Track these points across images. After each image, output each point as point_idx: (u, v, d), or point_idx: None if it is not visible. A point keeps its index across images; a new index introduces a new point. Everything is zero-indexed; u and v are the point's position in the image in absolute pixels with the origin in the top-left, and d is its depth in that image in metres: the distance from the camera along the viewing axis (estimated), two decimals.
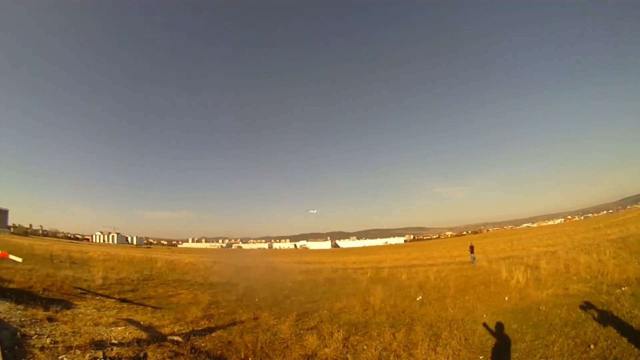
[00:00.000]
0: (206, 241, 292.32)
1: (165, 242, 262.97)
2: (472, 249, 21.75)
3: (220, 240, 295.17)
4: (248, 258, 47.18)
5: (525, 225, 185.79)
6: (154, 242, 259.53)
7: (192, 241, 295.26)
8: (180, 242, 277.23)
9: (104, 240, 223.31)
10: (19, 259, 8.47)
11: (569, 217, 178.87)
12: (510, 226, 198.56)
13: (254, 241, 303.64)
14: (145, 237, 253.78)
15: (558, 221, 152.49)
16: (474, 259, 20.16)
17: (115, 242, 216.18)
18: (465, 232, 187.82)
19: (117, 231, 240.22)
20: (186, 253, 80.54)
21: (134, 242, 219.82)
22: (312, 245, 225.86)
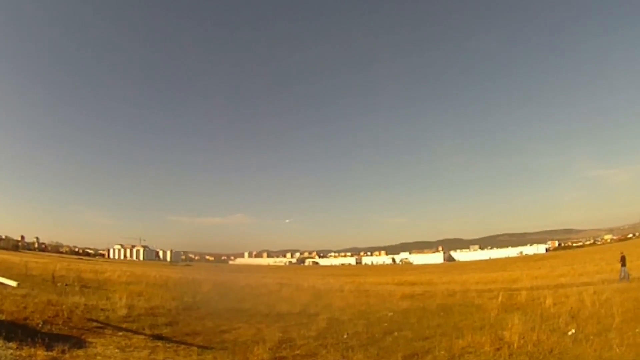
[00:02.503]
0: (269, 256, 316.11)
1: (212, 258, 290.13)
2: (623, 260, 24.05)
3: (289, 254, 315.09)
4: (329, 278, 49.26)
5: None
6: (195, 257, 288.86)
7: (250, 256, 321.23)
8: (232, 258, 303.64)
9: (125, 256, 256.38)
10: (13, 283, 9.36)
11: None
12: None
13: (336, 255, 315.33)
14: (184, 252, 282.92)
15: None
16: (627, 274, 22.60)
17: (142, 258, 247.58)
18: (632, 235, 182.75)
19: (144, 244, 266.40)
20: (241, 272, 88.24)
21: (168, 258, 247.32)
22: (418, 258, 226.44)
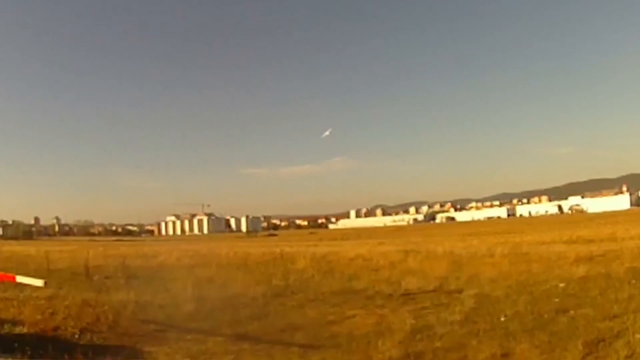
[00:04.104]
0: (384, 213, 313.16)
1: (304, 223, 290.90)
2: None
3: (412, 209, 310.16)
4: (471, 239, 49.07)
5: None
6: (282, 223, 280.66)
7: (358, 215, 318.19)
8: (333, 220, 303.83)
9: (183, 230, 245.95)
10: (38, 282, 9.40)
11: None
12: None
13: (479, 205, 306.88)
14: (264, 217, 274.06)
15: None
16: None
17: (207, 230, 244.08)
18: None
19: (209, 210, 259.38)
20: (348, 238, 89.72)
21: (243, 228, 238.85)
22: (594, 204, 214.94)
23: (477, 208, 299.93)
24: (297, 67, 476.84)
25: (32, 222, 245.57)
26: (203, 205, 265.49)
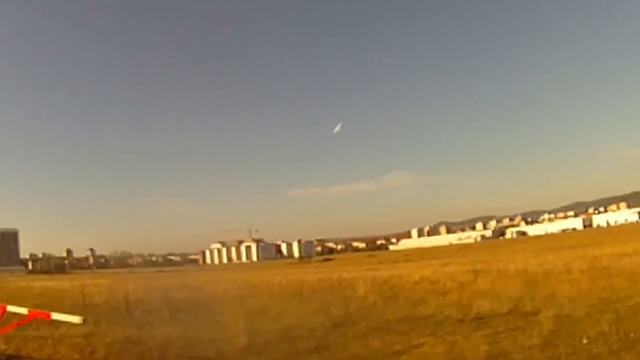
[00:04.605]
0: (449, 231, 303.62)
1: (362, 245, 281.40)
2: None
3: (479, 225, 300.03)
4: (546, 254, 48.68)
5: None
6: (337, 246, 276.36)
7: (420, 234, 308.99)
8: (394, 241, 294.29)
9: (229, 258, 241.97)
10: (76, 318, 9.01)
11: None
12: None
13: (552, 217, 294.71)
14: (317, 241, 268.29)
15: None
16: None
17: (256, 257, 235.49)
18: None
19: (257, 236, 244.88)
20: (410, 260, 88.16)
21: (295, 253, 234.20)
22: None
23: (550, 220, 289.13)
24: (351, 78, 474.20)
25: (65, 254, 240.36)
26: (251, 231, 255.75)
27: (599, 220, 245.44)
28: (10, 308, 10.27)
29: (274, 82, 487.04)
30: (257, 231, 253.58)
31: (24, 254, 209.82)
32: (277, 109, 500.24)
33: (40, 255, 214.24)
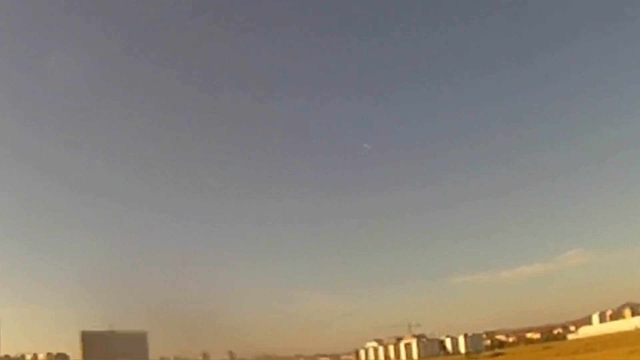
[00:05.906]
0: (634, 313, 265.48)
1: (536, 336, 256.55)
2: None
3: None
4: None
5: None
6: (510, 339, 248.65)
7: (600, 319, 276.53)
8: (572, 328, 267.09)
9: (387, 358, 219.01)
10: None
11: None
12: None
13: None
14: (487, 333, 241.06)
15: None
16: None
17: (416, 355, 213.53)
18: None
19: (418, 331, 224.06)
20: (592, 350, 78.58)
21: (462, 349, 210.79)
22: None
23: None
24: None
25: (200, 358, 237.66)
26: (410, 326, 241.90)
27: None
28: None
29: (427, 160, 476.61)
30: (418, 325, 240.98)
31: (153, 356, 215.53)
32: (433, 187, 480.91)
33: (171, 359, 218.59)
